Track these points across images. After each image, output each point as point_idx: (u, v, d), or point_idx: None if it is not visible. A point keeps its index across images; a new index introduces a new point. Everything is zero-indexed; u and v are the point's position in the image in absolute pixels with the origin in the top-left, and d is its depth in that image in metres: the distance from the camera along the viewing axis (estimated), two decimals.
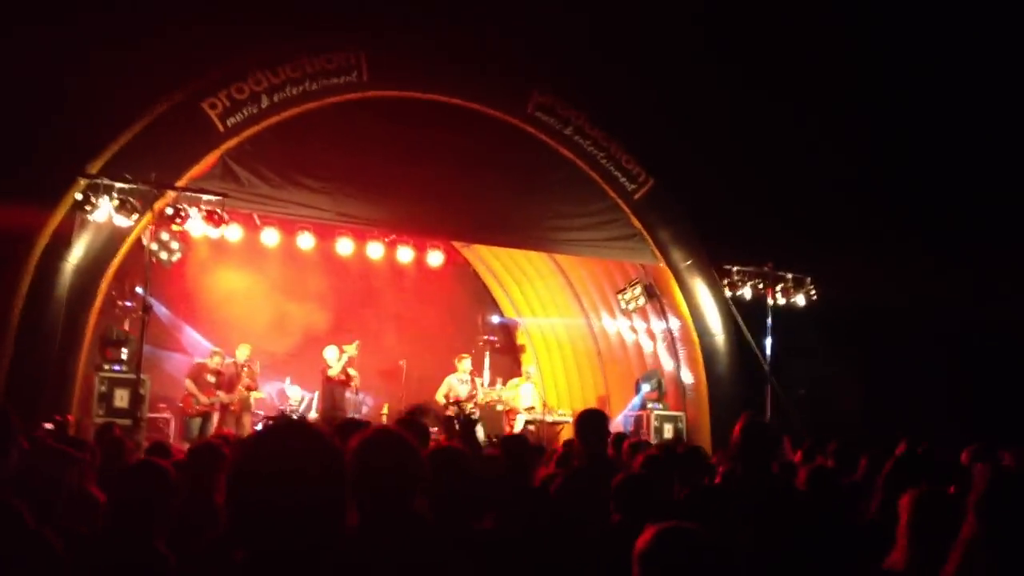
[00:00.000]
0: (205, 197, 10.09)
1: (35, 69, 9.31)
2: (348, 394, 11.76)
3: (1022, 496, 2.23)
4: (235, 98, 10.51)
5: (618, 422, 12.99)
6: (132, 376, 9.89)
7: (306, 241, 12.37)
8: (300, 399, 12.48)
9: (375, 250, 12.89)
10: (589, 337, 14.70)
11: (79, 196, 9.46)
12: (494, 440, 9.97)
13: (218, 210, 10.10)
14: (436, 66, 11.47)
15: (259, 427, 10.47)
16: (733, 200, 12.40)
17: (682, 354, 13.32)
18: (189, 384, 11.53)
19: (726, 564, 2.14)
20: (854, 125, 12.76)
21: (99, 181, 9.55)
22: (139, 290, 10.59)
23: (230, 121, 10.46)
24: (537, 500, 4.28)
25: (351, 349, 11.88)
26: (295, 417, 11.90)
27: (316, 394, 12.50)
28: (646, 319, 13.75)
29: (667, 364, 13.52)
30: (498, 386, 13.69)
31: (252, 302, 13.18)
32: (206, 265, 12.90)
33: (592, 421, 4.73)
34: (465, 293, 15.52)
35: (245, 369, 11.83)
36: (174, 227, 10.17)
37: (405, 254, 13.29)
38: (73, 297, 9.68)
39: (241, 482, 1.70)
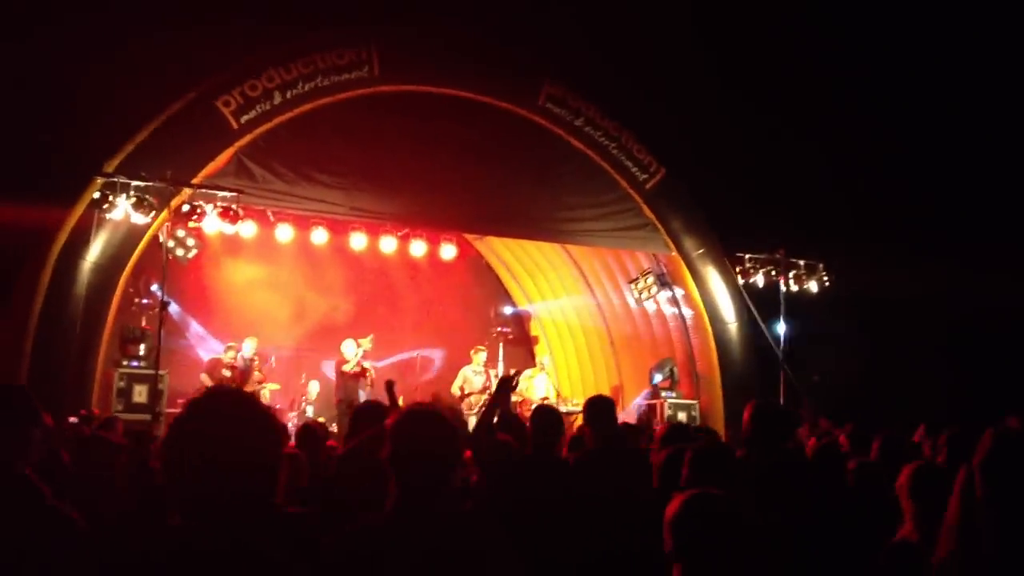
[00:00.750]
0: (220, 194, 10.20)
1: (52, 68, 9.42)
2: (363, 388, 11.84)
3: None
4: (248, 95, 10.61)
5: (630, 410, 13.03)
6: (150, 371, 10.02)
7: (320, 236, 12.47)
8: (317, 393, 12.58)
9: (388, 244, 12.98)
10: (602, 327, 14.74)
11: (97, 195, 9.57)
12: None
13: (233, 206, 10.21)
14: (446, 60, 11.51)
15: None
16: (745, 188, 12.39)
17: (695, 342, 13.34)
18: (205, 378, 11.65)
19: (751, 530, 2.23)
20: (868, 110, 12.68)
21: (116, 179, 9.67)
22: (155, 287, 10.71)
23: (244, 118, 10.56)
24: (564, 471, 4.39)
25: (366, 343, 11.98)
26: (310, 415, 12.03)
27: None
28: (659, 308, 13.77)
29: (680, 352, 13.54)
30: None
31: (266, 297, 13.28)
32: (220, 262, 13.01)
33: (601, 407, 4.91)
34: (478, 286, 15.59)
35: (255, 362, 11.95)
36: (190, 224, 10.27)
37: (418, 248, 13.37)
38: (91, 294, 9.83)
39: (174, 442, 1.73)
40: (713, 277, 12.97)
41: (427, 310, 14.50)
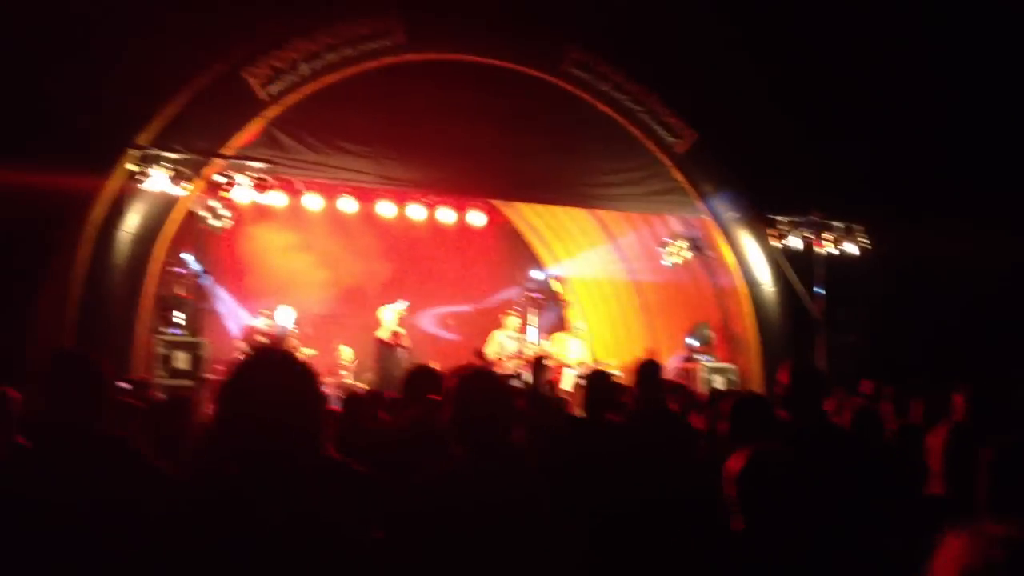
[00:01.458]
0: (253, 164, 10.30)
1: (82, 39, 9.48)
2: (399, 352, 12.02)
3: None
4: (275, 66, 10.67)
5: (666, 371, 13.01)
6: (191, 339, 10.26)
7: (349, 205, 12.58)
8: (352, 359, 12.75)
9: (417, 212, 13.02)
10: (634, 291, 14.74)
11: (133, 167, 9.70)
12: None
13: (266, 176, 10.32)
14: (472, 27, 11.47)
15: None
16: (778, 150, 12.17)
17: (729, 305, 13.29)
18: (243, 346, 11.85)
19: (812, 484, 2.30)
20: (907, 65, 12.30)
21: (149, 151, 9.79)
22: (187, 256, 10.87)
23: (271, 89, 10.63)
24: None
25: (401, 310, 12.13)
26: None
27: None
28: (692, 271, 13.71)
29: (715, 317, 13.50)
30: (543, 342, 13.81)
31: (297, 266, 13.44)
32: (250, 231, 13.16)
33: (647, 370, 5.19)
34: (508, 252, 15.63)
35: (291, 329, 12.14)
36: (223, 194, 10.40)
37: (447, 215, 13.42)
38: (130, 265, 10.03)
39: (231, 398, 1.85)
40: (746, 240, 12.88)
41: (458, 276, 14.58)
